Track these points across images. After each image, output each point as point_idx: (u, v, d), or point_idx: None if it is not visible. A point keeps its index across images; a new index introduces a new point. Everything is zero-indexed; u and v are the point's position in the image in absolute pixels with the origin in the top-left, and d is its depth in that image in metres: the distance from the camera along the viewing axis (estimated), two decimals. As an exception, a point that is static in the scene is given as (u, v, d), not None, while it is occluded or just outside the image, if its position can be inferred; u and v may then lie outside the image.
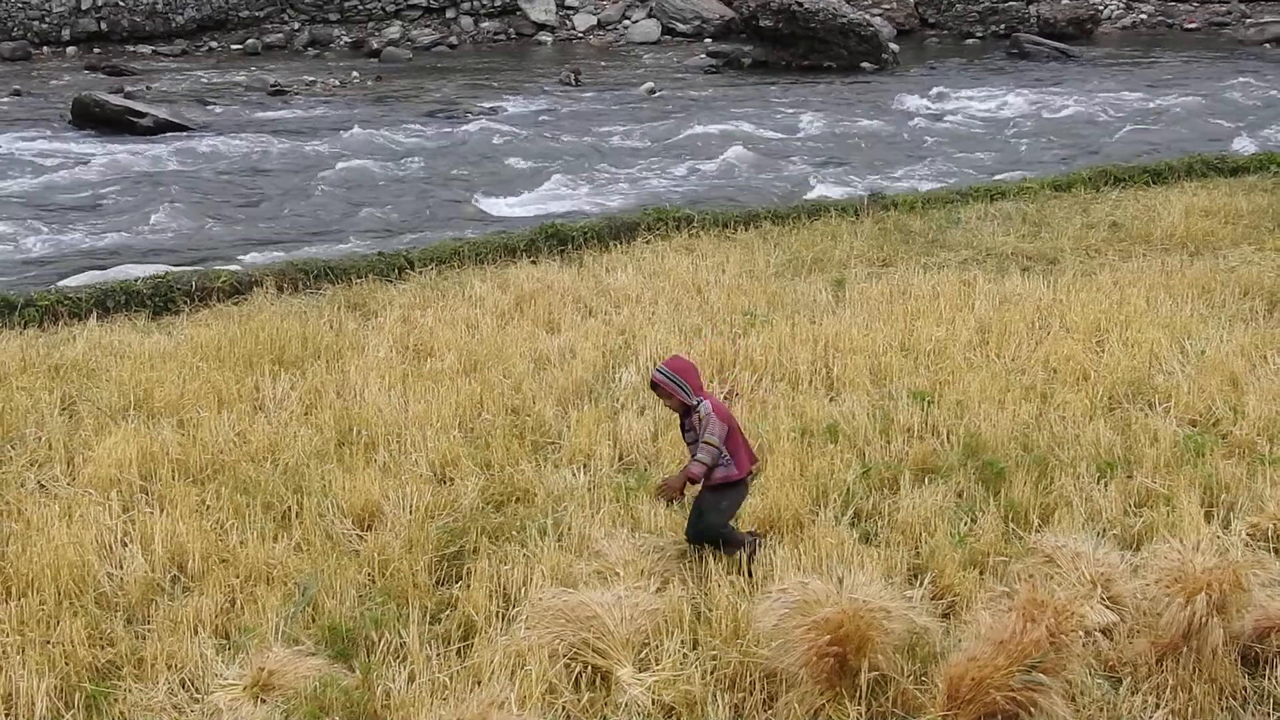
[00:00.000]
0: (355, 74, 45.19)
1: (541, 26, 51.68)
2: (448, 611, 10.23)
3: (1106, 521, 11.43)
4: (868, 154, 33.43)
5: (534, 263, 19.62)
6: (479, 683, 9.16)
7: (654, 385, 10.75)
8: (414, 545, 11.03)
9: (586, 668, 9.28)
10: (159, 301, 18.03)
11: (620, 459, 12.86)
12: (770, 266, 19.15)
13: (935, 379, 14.54)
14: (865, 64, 45.68)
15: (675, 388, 10.51)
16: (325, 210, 27.69)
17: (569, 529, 11.29)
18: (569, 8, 52.61)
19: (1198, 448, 12.57)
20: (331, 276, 18.96)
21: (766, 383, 14.49)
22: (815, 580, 9.67)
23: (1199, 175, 24.69)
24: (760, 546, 10.76)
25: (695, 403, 10.50)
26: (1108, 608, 10.01)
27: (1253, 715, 9.13)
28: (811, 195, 27.53)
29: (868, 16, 48.18)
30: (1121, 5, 55.66)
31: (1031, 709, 8.74)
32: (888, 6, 52.31)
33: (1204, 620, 9.37)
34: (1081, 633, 9.52)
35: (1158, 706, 9.09)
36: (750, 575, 10.41)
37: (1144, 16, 55.45)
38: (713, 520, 10.57)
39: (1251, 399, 13.70)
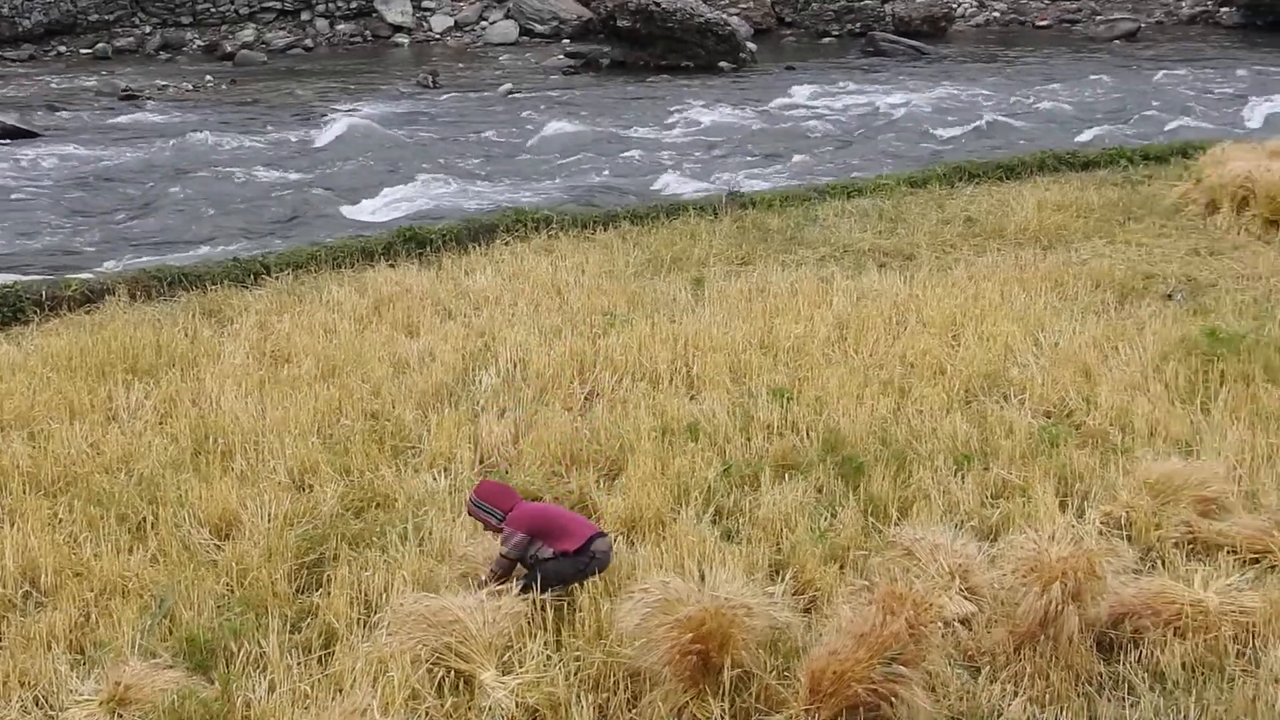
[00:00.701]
0: (209, 78, 44.70)
1: (398, 28, 51.40)
2: (308, 620, 10.16)
3: (964, 513, 11.57)
4: (726, 153, 33.50)
5: (392, 266, 19.48)
6: (341, 691, 9.12)
7: (469, 513, 10.77)
8: (273, 554, 10.94)
9: (449, 672, 9.25)
10: (7, 312, 17.68)
11: (481, 461, 12.83)
12: (630, 266, 19.17)
13: (794, 376, 14.62)
14: (723, 63, 45.82)
15: (484, 514, 10.51)
16: (180, 216, 27.31)
17: (430, 533, 11.26)
18: (426, 9, 52.37)
19: (1052, 438, 12.75)
20: (186, 283, 18.70)
21: (627, 383, 14.49)
22: (677, 579, 9.70)
23: (1051, 170, 25.00)
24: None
25: (499, 524, 10.38)
26: (966, 598, 10.13)
27: (1108, 700, 9.27)
28: (670, 194, 27.57)
29: (725, 16, 48.31)
30: (975, 3, 56.28)
31: (893, 700, 8.83)
32: (745, 6, 52.48)
33: (1060, 608, 9.52)
34: (940, 624, 9.63)
35: (1016, 694, 9.22)
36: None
37: (997, 14, 56.07)
38: (548, 584, 10.21)
39: (1104, 389, 13.92)
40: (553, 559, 10.17)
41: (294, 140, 35.11)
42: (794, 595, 10.37)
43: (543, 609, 9.86)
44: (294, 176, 30.94)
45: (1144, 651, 9.62)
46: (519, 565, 10.28)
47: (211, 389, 14.49)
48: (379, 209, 27.90)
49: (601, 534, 10.44)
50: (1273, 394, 13.73)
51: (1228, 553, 10.88)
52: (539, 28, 51.01)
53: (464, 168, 31.79)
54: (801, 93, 41.46)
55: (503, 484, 10.95)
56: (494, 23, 51.74)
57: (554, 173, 31.39)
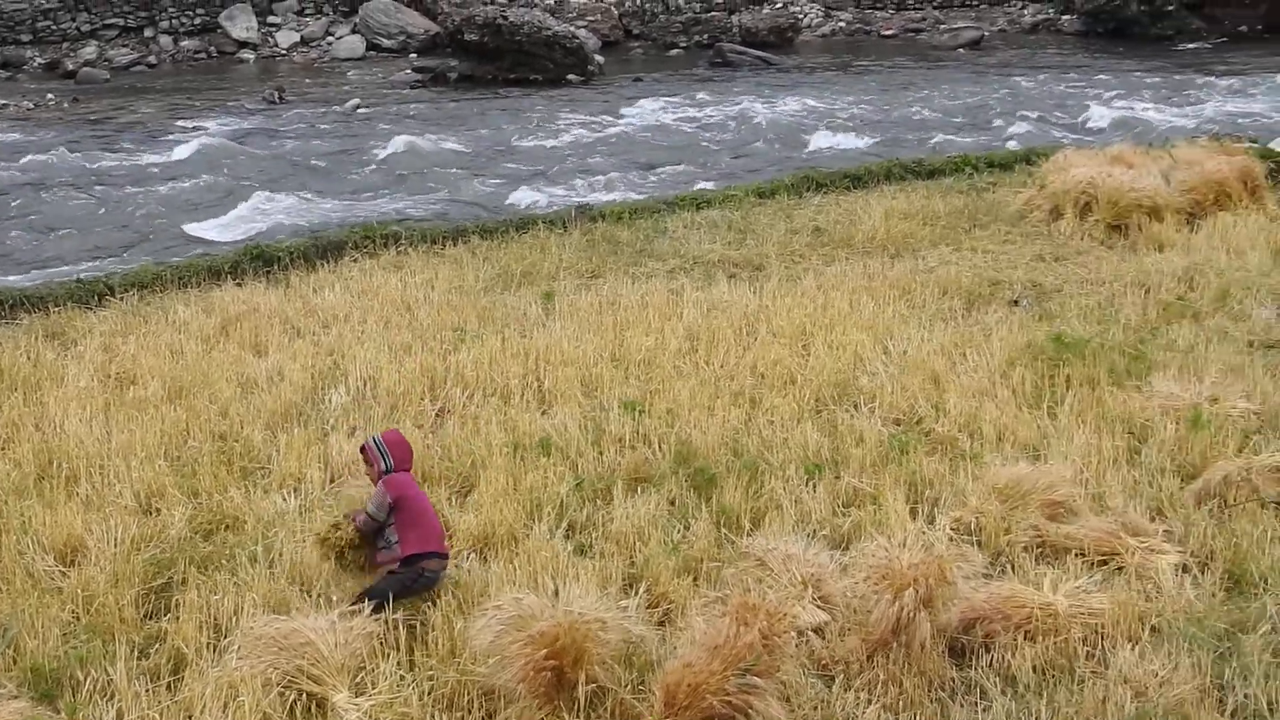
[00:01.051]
0: (51, 96, 43.93)
1: (244, 44, 50.85)
2: (157, 645, 10.03)
3: (816, 522, 11.63)
4: (575, 165, 33.48)
5: (240, 285, 19.27)
6: (190, 717, 9.02)
7: (362, 449, 10.82)
8: (120, 579, 10.78)
9: (301, 695, 9.17)
10: None
11: (332, 481, 12.73)
12: (480, 281, 19.09)
13: (646, 388, 14.63)
14: (572, 76, 45.77)
15: (378, 455, 10.52)
16: (20, 237, 26.84)
17: (280, 555, 11.15)
18: (271, 25, 51.88)
19: (902, 446, 12.85)
20: (28, 305, 18.37)
21: (478, 398, 14.44)
22: (531, 595, 9.69)
23: (898, 179, 25.19)
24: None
25: (381, 473, 10.45)
26: (819, 607, 10.18)
27: (961, 705, 9.35)
28: (520, 208, 27.53)
29: (573, 29, 48.29)
30: (821, 14, 56.63)
31: (748, 712, 8.84)
32: (593, 19, 52.48)
33: (912, 615, 9.59)
34: (794, 633, 9.68)
35: (870, 702, 9.27)
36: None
37: (843, 24, 56.46)
38: (378, 589, 10.27)
39: (952, 396, 14.06)
40: (385, 577, 10.27)
41: (139, 158, 34.61)
42: (648, 608, 10.38)
43: (396, 628, 9.80)
44: (139, 195, 30.46)
45: (995, 655, 9.71)
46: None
47: (55, 413, 14.25)
48: (226, 227, 27.58)
49: (443, 556, 10.41)
50: (1117, 397, 13.93)
51: (1076, 555, 11.01)
52: (386, 42, 50.66)
53: (312, 184, 31.52)
54: (650, 104, 41.49)
55: (409, 445, 10.87)
56: (341, 38, 51.33)
57: (403, 187, 31.21)
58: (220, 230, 27.34)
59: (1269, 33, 52.39)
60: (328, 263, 20.31)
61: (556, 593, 9.64)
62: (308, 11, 52.36)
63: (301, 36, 51.44)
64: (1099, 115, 38.78)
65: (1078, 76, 45.46)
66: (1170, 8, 52.98)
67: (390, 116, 39.84)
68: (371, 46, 50.82)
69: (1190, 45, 51.70)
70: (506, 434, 13.41)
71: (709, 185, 28.67)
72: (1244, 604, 10.31)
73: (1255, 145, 24.99)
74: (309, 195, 30.34)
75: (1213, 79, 43.83)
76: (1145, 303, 17.19)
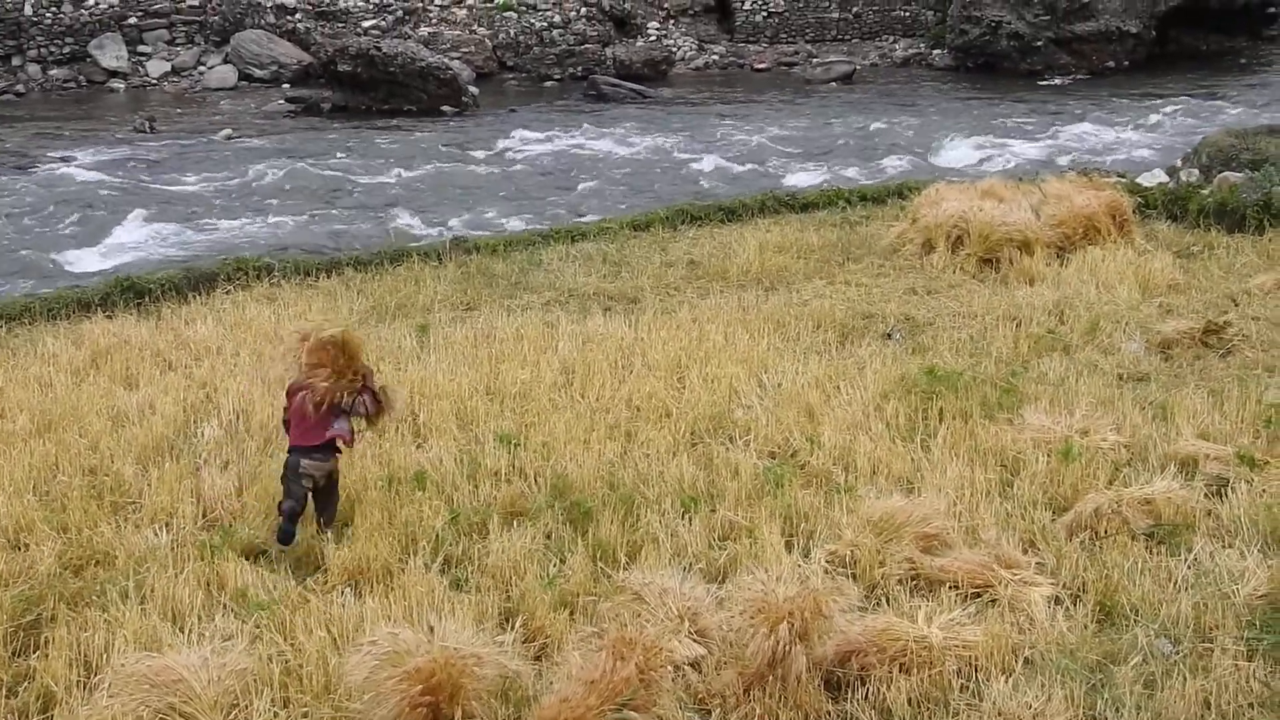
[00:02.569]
0: (-86, 126, 43.39)
1: (114, 73, 50.30)
2: (25, 684, 9.89)
3: (692, 556, 11.63)
4: (450, 197, 33.39)
5: (110, 317, 19.02)
6: (60, 756, 8.86)
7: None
8: (-13, 616, 10.60)
9: (174, 733, 9.04)
10: None
11: (204, 516, 12.58)
12: (354, 314, 18.98)
13: (521, 421, 14.60)
14: (446, 107, 45.70)
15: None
16: (-115, 269, 26.44)
17: (152, 591, 11.00)
18: (142, 54, 51.36)
19: (777, 479, 12.87)
20: (-108, 339, 18.08)
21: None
22: (406, 630, 9.63)
23: (772, 212, 25.29)
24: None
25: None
26: (696, 641, 10.17)
27: (837, 739, 9.37)
28: (394, 240, 27.40)
29: (447, 60, 48.24)
30: (695, 46, 56.88)
31: (625, 747, 8.82)
32: (467, 50, 52.39)
33: (788, 648, 9.60)
34: (671, 667, 9.66)
35: (746, 736, 9.27)
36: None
37: (716, 57, 56.72)
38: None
39: (826, 429, 14.12)
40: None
41: (6, 189, 34.12)
42: (524, 643, 10.33)
43: (269, 663, 9.70)
44: (6, 227, 30.05)
45: (871, 689, 9.74)
46: None
47: (-81, 448, 14.01)
48: (96, 258, 27.26)
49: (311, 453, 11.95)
50: (990, 430, 14.04)
51: (950, 588, 11.07)
52: (259, 72, 50.33)
53: (184, 215, 31.23)
54: (524, 136, 41.50)
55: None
56: (213, 67, 50.93)
57: (276, 218, 31.00)
58: (90, 261, 27.01)
59: (1136, 69, 53.20)
60: (200, 294, 20.12)
61: (432, 628, 9.58)
62: (179, 41, 51.89)
63: (173, 66, 50.98)
64: (969, 149, 39.24)
65: (948, 110, 45.96)
66: (1039, 43, 53.72)
67: (263, 147, 39.59)
68: (244, 76, 50.50)
69: (1059, 80, 52.43)
70: (381, 468, 13.32)
71: (584, 217, 28.70)
72: (1115, 635, 10.42)
73: (1123, 180, 25.37)
74: (181, 226, 30.08)
75: (1081, 113, 44.45)
76: (1016, 336, 17.36)
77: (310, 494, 12.07)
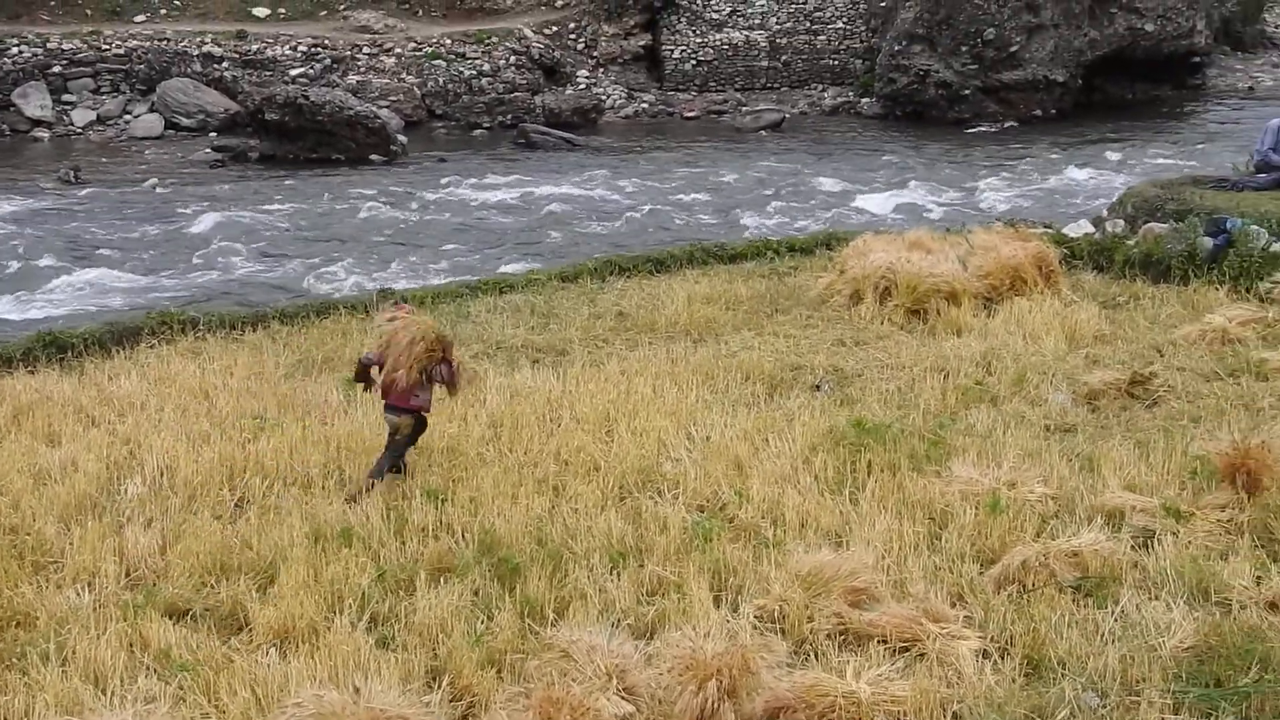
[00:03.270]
0: None
1: (38, 122, 50.05)
2: (-58, 751, 9.72)
3: (621, 611, 11.57)
4: (378, 247, 33.34)
5: (32, 372, 18.81)
6: (-23, 825, 8.72)
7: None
8: (-97, 680, 10.44)
9: (93, 800, 8.91)
10: None
11: (127, 575, 12.44)
12: (280, 368, 18.86)
13: (449, 476, 14.51)
14: (374, 156, 45.68)
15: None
16: None
17: (74, 652, 10.86)
18: (67, 103, 51.13)
19: (705, 533, 12.82)
20: None
21: (279, 488, 14.23)
22: (332, 691, 9.56)
23: (700, 263, 25.26)
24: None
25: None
26: (624, 699, 10.09)
27: (765, 798, 9.32)
28: (321, 292, 27.32)
29: (375, 109, 48.25)
30: (624, 95, 57.06)
31: (552, 809, 8.75)
32: (395, 99, 52.39)
33: (716, 705, 9.57)
34: (599, 727, 9.59)
35: (675, 795, 9.21)
36: None
37: (645, 105, 56.91)
38: None
39: (755, 482, 14.08)
40: None
41: (-74, 241, 33.86)
42: (451, 702, 10.26)
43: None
44: (-73, 280, 29.84)
45: (798, 746, 9.72)
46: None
47: None
48: (18, 311, 27.10)
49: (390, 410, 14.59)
50: (918, 483, 14.03)
51: (878, 642, 11.04)
52: (185, 121, 50.19)
53: (108, 266, 31.07)
54: (454, 185, 41.51)
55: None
56: (138, 116, 50.75)
57: (202, 270, 30.91)
58: (12, 314, 26.80)
59: (1063, 117, 53.67)
60: (124, 349, 19.93)
61: (358, 689, 9.50)
62: (104, 90, 51.71)
63: (98, 115, 50.79)
64: (896, 198, 39.52)
65: (876, 159, 46.27)
66: (967, 92, 54.16)
67: (189, 196, 39.45)
68: (170, 125, 50.35)
69: (987, 128, 52.82)
70: (307, 524, 13.21)
71: (512, 268, 28.67)
72: (1043, 688, 10.41)
73: (1049, 230, 25.50)
74: (105, 278, 29.93)
75: (1009, 163, 44.78)
76: (944, 387, 17.38)
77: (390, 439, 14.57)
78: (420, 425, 14.81)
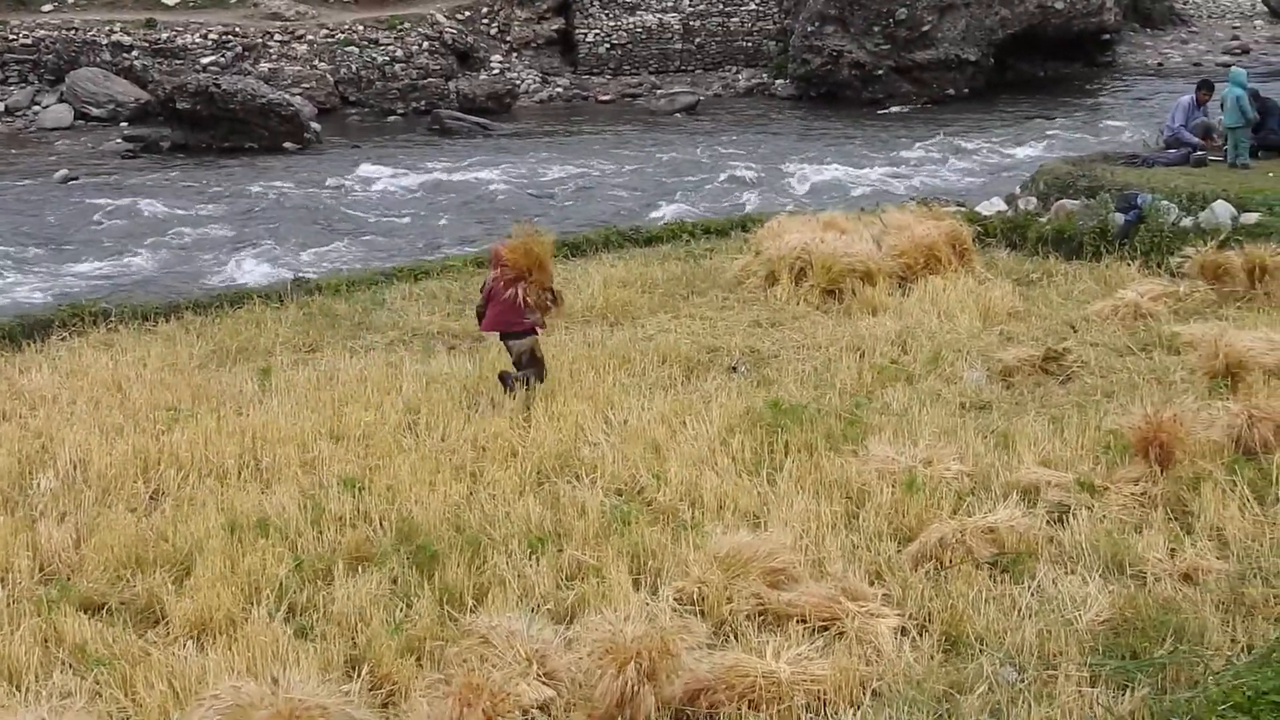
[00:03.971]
0: None
1: (-57, 115, 49.53)
2: None
3: (540, 596, 11.58)
4: (291, 236, 33.08)
5: (-60, 367, 18.63)
6: (-110, 826, 8.62)
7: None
8: None
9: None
10: None
11: (41, 570, 12.35)
12: (194, 358, 18.74)
13: (366, 464, 14.47)
14: (288, 144, 45.31)
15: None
16: None
17: (-13, 652, 10.76)
18: (-28, 95, 50.58)
19: (624, 517, 12.83)
20: None
21: (194, 479, 14.14)
22: (250, 683, 9.51)
23: (616, 246, 25.27)
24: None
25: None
26: (544, 684, 10.11)
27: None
28: (234, 281, 27.13)
29: (288, 96, 47.86)
30: (538, 80, 56.84)
31: (473, 794, 8.74)
32: (308, 86, 51.97)
33: (636, 688, 9.58)
34: (519, 712, 9.63)
35: (595, 779, 9.21)
36: None
37: (560, 90, 56.69)
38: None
39: (673, 465, 14.10)
40: None
41: None
42: (371, 691, 10.24)
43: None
44: None
45: (720, 726, 9.74)
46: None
47: None
48: (-75, 306, 26.71)
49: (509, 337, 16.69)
50: (835, 462, 14.08)
51: (797, 622, 11.08)
52: (96, 111, 49.61)
53: (17, 260, 30.71)
54: (367, 172, 41.17)
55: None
56: (47, 107, 50.15)
57: (113, 261, 30.59)
58: (-81, 310, 26.45)
59: (976, 96, 53.86)
60: (34, 342, 19.75)
61: (276, 680, 9.43)
62: (11, 80, 51.05)
63: (5, 106, 50.15)
64: (810, 179, 39.43)
65: (791, 140, 46.28)
66: (880, 72, 54.26)
67: (101, 187, 39.05)
68: (80, 115, 49.74)
69: (901, 109, 52.91)
70: (223, 515, 13.12)
71: (428, 255, 28.55)
72: (961, 665, 10.47)
73: (963, 209, 25.68)
74: (13, 272, 29.55)
75: (922, 142, 44.88)
76: (860, 367, 17.46)
77: (516, 365, 16.58)
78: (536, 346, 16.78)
